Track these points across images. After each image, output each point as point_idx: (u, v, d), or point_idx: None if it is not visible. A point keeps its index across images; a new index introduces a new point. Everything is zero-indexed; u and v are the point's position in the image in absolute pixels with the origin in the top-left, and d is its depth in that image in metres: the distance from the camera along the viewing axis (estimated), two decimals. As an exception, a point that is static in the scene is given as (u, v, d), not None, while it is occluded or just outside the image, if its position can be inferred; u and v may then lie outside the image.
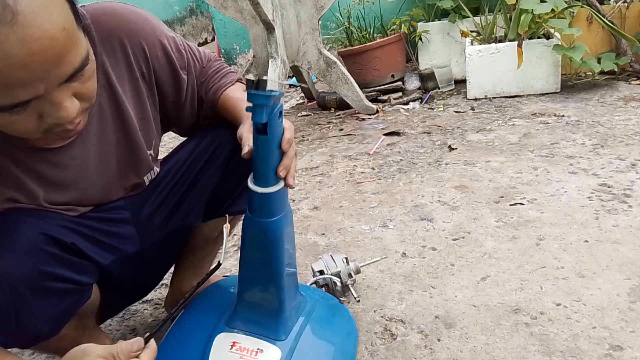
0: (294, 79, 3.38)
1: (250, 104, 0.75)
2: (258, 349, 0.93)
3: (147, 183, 1.00)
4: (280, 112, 0.78)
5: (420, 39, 3.16)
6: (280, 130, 0.80)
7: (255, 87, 0.74)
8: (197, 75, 1.02)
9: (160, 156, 1.07)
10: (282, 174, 0.82)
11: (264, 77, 0.74)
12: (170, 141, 2.65)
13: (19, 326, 0.77)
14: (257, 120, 0.76)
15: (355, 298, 1.21)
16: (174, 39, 0.97)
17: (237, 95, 1.00)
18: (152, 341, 0.78)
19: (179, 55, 0.97)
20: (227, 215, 1.04)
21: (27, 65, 0.62)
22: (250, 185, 0.85)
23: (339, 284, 1.21)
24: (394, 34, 3.10)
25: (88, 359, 0.74)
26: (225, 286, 1.15)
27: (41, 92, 0.66)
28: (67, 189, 0.87)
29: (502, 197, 1.67)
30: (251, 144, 0.81)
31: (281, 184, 0.85)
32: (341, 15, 3.34)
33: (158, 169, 1.02)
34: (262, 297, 0.96)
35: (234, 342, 0.94)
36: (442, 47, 3.16)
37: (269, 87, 0.75)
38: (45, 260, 0.78)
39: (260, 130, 0.77)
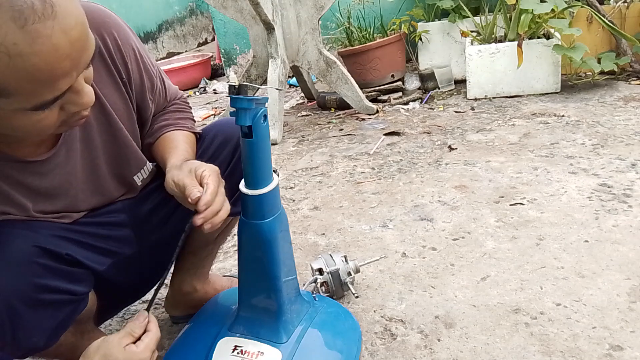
0: (294, 79, 3.38)
1: (234, 109, 0.78)
2: (259, 351, 0.93)
3: (139, 183, 0.99)
4: (265, 116, 0.81)
5: (420, 39, 3.16)
6: (267, 132, 0.83)
7: (237, 92, 0.76)
8: (159, 103, 1.02)
9: None
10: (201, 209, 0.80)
11: (244, 82, 0.77)
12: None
13: (14, 340, 0.76)
14: (241, 123, 0.78)
15: (354, 294, 1.21)
16: (147, 54, 0.97)
17: (180, 141, 0.98)
18: (150, 313, 0.83)
19: (151, 75, 0.97)
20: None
21: (71, 55, 0.62)
22: (241, 188, 0.87)
23: (339, 277, 1.22)
24: (394, 34, 3.10)
25: (109, 346, 0.75)
26: (230, 296, 1.15)
27: (74, 80, 0.65)
28: (57, 198, 0.86)
29: (502, 197, 1.67)
30: (197, 191, 0.81)
31: (272, 186, 0.87)
32: (341, 15, 3.34)
33: (152, 165, 1.01)
34: (261, 300, 0.97)
35: (235, 346, 0.95)
36: (442, 47, 3.16)
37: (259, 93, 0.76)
38: (38, 272, 0.77)
39: (246, 134, 0.81)
